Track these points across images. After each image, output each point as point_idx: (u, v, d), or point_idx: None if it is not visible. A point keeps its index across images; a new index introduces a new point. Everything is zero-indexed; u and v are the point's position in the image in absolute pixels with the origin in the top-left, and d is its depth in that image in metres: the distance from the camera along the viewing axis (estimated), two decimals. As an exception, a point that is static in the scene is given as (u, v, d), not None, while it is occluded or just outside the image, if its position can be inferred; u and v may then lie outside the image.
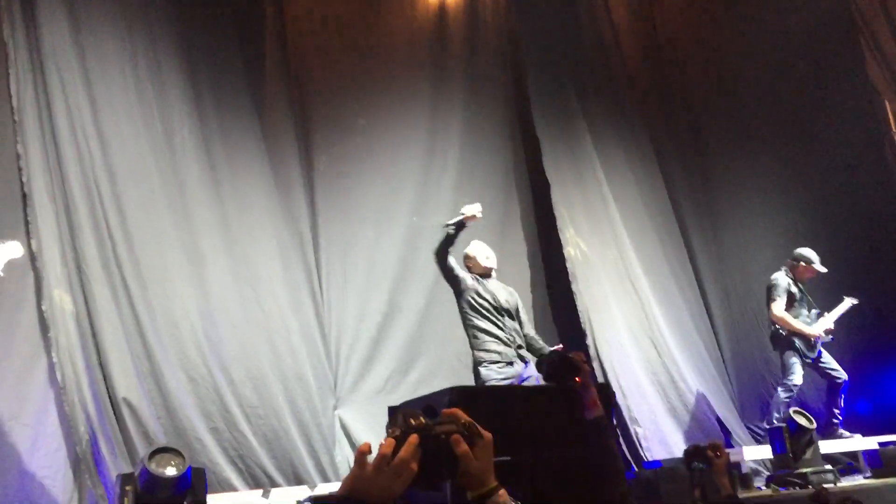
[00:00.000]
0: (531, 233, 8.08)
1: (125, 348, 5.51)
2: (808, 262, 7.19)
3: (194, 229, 6.20)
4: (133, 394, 5.39)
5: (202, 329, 5.97)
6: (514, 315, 5.82)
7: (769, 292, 7.18)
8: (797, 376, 6.98)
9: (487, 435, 1.50)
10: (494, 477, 1.51)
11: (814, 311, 7.18)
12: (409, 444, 1.40)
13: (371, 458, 1.42)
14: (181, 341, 5.84)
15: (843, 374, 7.03)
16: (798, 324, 7.06)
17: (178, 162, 6.27)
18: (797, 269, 7.22)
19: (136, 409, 5.35)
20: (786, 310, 7.12)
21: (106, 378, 5.36)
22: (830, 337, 7.11)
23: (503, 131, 8.18)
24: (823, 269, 7.16)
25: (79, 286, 5.48)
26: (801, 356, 7.02)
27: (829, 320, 7.11)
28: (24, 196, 5.42)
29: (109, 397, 5.32)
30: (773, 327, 7.17)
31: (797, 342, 7.03)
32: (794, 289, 7.18)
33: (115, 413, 5.30)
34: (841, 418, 7.01)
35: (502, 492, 1.51)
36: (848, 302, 7.15)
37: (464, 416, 1.49)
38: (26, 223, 5.39)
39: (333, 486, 5.14)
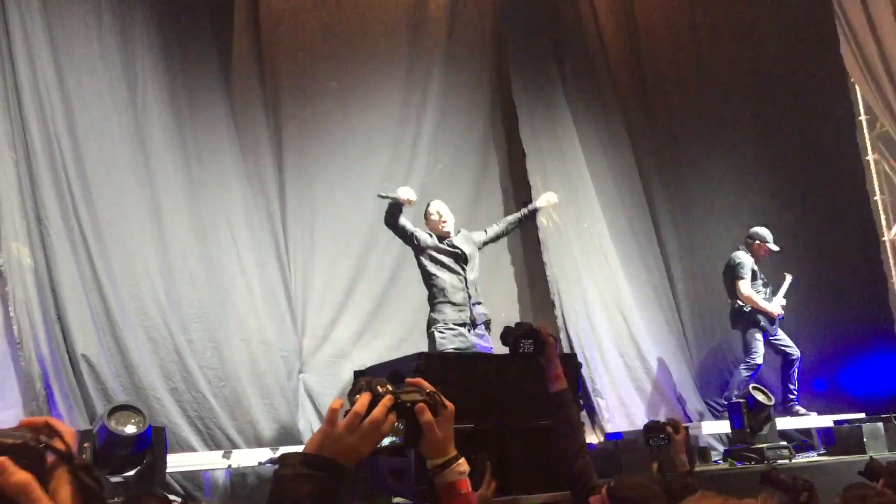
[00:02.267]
0: (506, 202, 8.05)
1: (84, 304, 5.41)
2: (763, 240, 7.28)
3: (157, 187, 6.07)
4: (92, 350, 5.30)
5: (163, 288, 5.88)
6: (476, 261, 5.98)
7: (735, 271, 7.26)
8: (759, 355, 7.09)
9: (450, 406, 1.51)
10: (454, 446, 1.53)
11: (768, 289, 7.28)
12: (383, 405, 1.40)
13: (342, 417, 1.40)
14: (141, 300, 5.74)
15: (796, 351, 7.15)
16: (763, 302, 7.15)
17: (141, 119, 6.13)
18: (753, 247, 7.31)
19: (95, 366, 5.26)
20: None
21: (64, 333, 5.26)
22: (781, 315, 7.20)
23: (479, 99, 8.10)
24: (776, 248, 7.24)
25: (38, 239, 5.35)
26: (765, 334, 7.12)
27: (780, 298, 7.20)
28: (-17, 144, 5.27)
29: (68, 353, 5.23)
30: (735, 304, 7.25)
31: (762, 320, 7.11)
32: (755, 267, 7.27)
33: (73, 369, 5.21)
34: (796, 394, 7.14)
35: (462, 460, 1.53)
36: (788, 278, 7.29)
37: (428, 386, 1.49)
38: (-16, 172, 5.24)
39: (296, 450, 5.11)
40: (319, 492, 1.33)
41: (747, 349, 7.19)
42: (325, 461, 1.36)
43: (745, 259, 7.26)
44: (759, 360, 7.10)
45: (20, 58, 5.52)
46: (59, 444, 1.10)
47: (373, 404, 1.39)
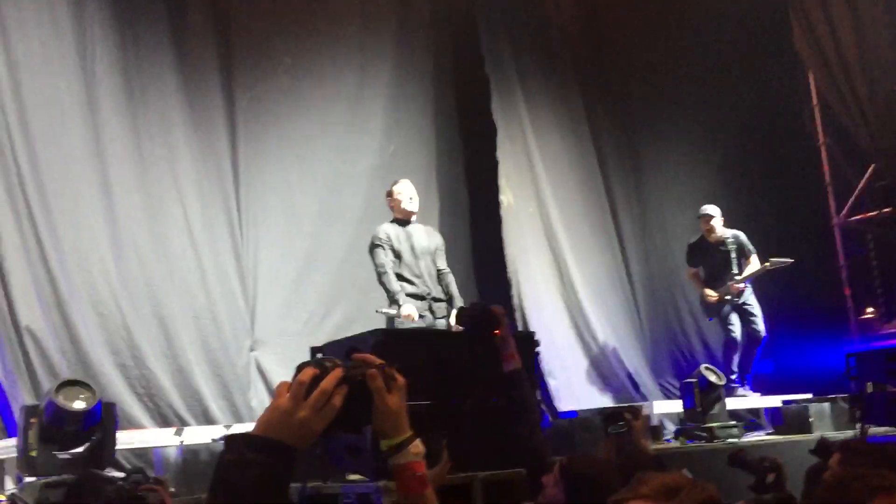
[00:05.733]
0: (457, 180, 8.03)
1: (28, 277, 5.26)
2: (700, 216, 7.36)
3: (106, 160, 5.93)
4: (37, 324, 5.17)
5: (112, 263, 5.76)
6: (432, 258, 5.83)
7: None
8: (729, 330, 7.22)
9: (401, 379, 1.47)
10: (410, 426, 1.49)
11: (733, 265, 7.30)
12: (332, 376, 1.35)
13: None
14: (89, 274, 5.62)
15: (737, 334, 7.24)
16: (701, 287, 7.34)
17: (91, 89, 5.95)
18: (701, 227, 7.38)
19: (40, 341, 5.13)
20: (699, 267, 7.34)
21: (9, 307, 5.12)
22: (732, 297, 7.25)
23: (434, 75, 8.04)
24: (707, 216, 7.26)
25: (-19, 210, 5.19)
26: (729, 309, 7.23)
27: (736, 280, 7.25)
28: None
29: (13, 326, 5.09)
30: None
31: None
32: (704, 249, 7.32)
33: (17, 343, 5.07)
34: (736, 375, 7.23)
35: (417, 441, 1.49)
36: (755, 267, 7.25)
37: (377, 360, 1.45)
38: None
39: (248, 427, 5.06)
40: (266, 477, 1.27)
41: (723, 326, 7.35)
42: (272, 443, 1.29)
43: (692, 242, 7.38)
44: (734, 335, 7.22)
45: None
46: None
47: (321, 377, 1.34)
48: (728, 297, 7.22)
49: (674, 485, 1.66)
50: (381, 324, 5.57)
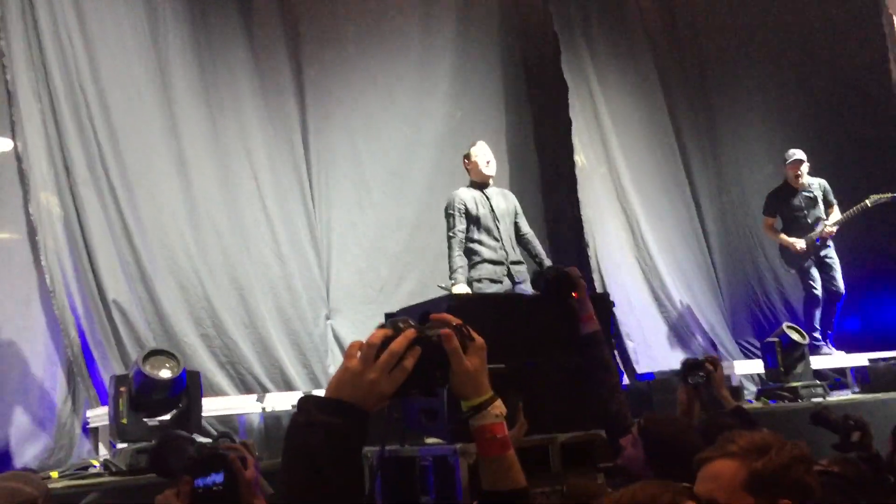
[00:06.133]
0: (526, 144, 7.95)
1: (113, 252, 5.42)
2: (784, 161, 7.13)
3: (180, 135, 6.04)
4: (123, 297, 5.33)
5: (191, 236, 5.90)
6: (512, 220, 5.76)
7: None
8: (811, 287, 7.02)
9: (479, 339, 1.43)
10: (490, 387, 1.45)
11: (821, 210, 7.08)
12: (404, 337, 1.31)
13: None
14: (170, 247, 5.77)
15: (818, 290, 7.03)
16: (782, 237, 7.12)
17: (164, 67, 6.07)
18: (786, 172, 7.14)
19: (127, 313, 5.30)
20: (782, 219, 7.15)
21: (97, 281, 5.29)
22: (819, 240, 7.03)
23: (500, 38, 7.96)
24: (797, 161, 7.02)
25: (67, 189, 5.35)
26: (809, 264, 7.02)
27: (824, 225, 7.01)
28: (9, 95, 5.24)
29: (101, 301, 5.26)
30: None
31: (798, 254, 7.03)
32: (787, 196, 7.11)
33: (106, 316, 5.25)
34: (819, 333, 7.03)
35: (498, 402, 1.45)
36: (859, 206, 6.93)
37: (455, 320, 1.41)
38: (11, 123, 5.22)
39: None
40: (335, 439, 1.25)
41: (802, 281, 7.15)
42: (342, 405, 1.27)
43: (773, 189, 7.18)
44: (816, 292, 7.02)
45: (40, 5, 5.44)
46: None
47: (392, 339, 1.31)
48: (817, 244, 6.98)
49: (762, 443, 1.63)
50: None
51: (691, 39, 8.82)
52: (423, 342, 1.33)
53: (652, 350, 7.28)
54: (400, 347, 1.30)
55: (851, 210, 6.93)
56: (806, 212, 7.07)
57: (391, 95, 7.27)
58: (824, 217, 7.03)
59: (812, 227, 7.03)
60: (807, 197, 7.08)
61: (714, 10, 8.73)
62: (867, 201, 6.85)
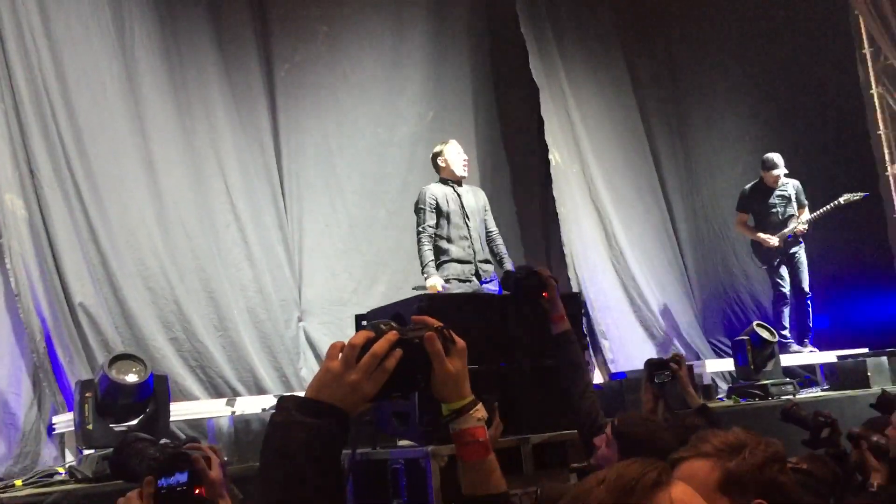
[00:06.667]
0: (497, 143, 7.96)
1: (80, 255, 5.34)
2: (762, 166, 7.20)
3: (148, 135, 5.98)
4: (90, 300, 5.25)
5: (160, 238, 5.83)
6: (482, 217, 5.75)
7: None
8: (778, 286, 7.09)
9: (461, 342, 1.41)
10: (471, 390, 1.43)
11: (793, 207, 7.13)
12: (386, 339, 1.30)
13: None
14: (138, 249, 5.69)
15: (786, 288, 7.09)
16: (752, 232, 7.19)
17: (131, 66, 5.99)
18: (764, 175, 7.21)
19: (94, 316, 5.21)
20: (754, 216, 7.20)
21: (63, 285, 5.20)
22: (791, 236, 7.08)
23: (470, 39, 7.95)
24: (779, 173, 7.09)
25: (31, 190, 5.25)
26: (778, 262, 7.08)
27: (796, 223, 7.07)
28: (-29, 94, 5.14)
29: (67, 304, 5.17)
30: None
31: (769, 251, 7.08)
32: (761, 194, 7.18)
33: (73, 320, 5.16)
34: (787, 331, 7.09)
35: (479, 406, 1.43)
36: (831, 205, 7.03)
37: (436, 322, 1.39)
38: (-27, 123, 5.13)
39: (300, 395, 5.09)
40: (315, 440, 1.23)
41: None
42: (322, 406, 1.25)
43: (745, 190, 7.24)
44: (784, 290, 7.09)
45: (2, 4, 5.35)
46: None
47: (375, 340, 1.29)
48: (789, 240, 7.04)
49: (736, 442, 1.61)
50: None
51: (662, 37, 8.86)
52: (404, 344, 1.31)
53: (626, 348, 7.30)
54: (382, 350, 1.29)
55: (824, 208, 6.99)
56: (779, 209, 7.13)
57: (363, 94, 7.24)
58: (796, 214, 7.09)
59: (784, 224, 7.08)
60: (781, 195, 7.15)
61: (686, 14, 8.77)
62: (840, 199, 6.92)
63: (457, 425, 1.42)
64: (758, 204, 7.25)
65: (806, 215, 7.08)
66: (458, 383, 1.40)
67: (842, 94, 8.13)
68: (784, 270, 7.11)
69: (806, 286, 7.09)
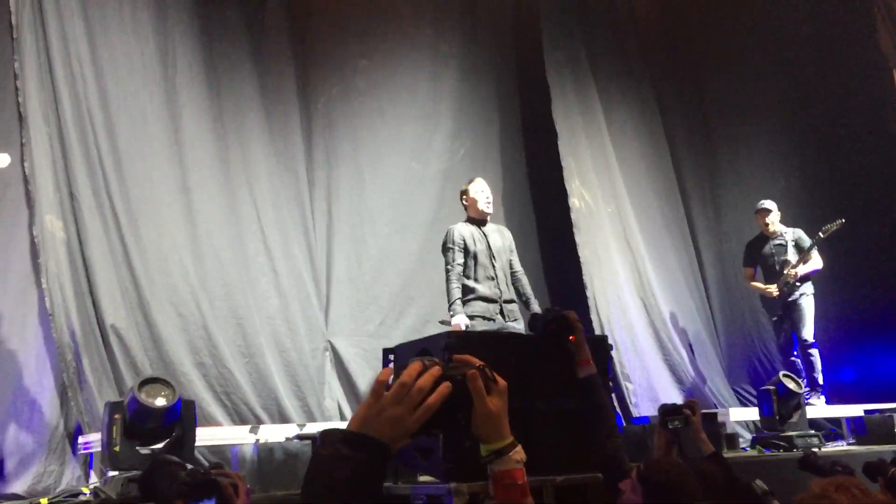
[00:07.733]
0: (523, 184, 8.02)
1: (114, 278, 5.44)
2: (756, 210, 7.24)
3: (186, 164, 6.09)
4: (121, 323, 5.34)
5: (192, 264, 5.91)
6: (508, 258, 5.79)
7: None
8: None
9: (502, 381, 1.40)
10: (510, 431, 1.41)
11: (789, 254, 7.09)
12: (430, 374, 1.29)
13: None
14: (170, 275, 5.77)
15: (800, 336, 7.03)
16: (759, 285, 7.20)
17: (172, 96, 6.14)
18: (757, 220, 7.25)
19: (125, 339, 5.30)
20: (757, 267, 7.27)
21: (95, 307, 5.29)
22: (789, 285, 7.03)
23: (504, 79, 8.07)
24: (764, 210, 7.10)
25: (70, 213, 5.38)
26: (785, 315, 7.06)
27: (796, 262, 7.02)
28: (21, 117, 5.29)
29: (98, 326, 5.26)
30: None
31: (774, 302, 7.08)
32: (760, 245, 7.21)
33: (103, 342, 5.25)
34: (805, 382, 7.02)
35: (519, 448, 1.42)
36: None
37: (477, 361, 1.38)
38: (21, 145, 5.28)
39: (322, 426, 5.11)
40: (359, 474, 1.23)
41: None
42: (367, 440, 1.25)
43: (748, 243, 7.32)
44: (782, 342, 7.08)
45: (52, 31, 5.52)
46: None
47: (420, 375, 1.29)
48: (786, 287, 6.99)
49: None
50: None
51: (694, 84, 8.91)
52: (447, 381, 1.31)
53: (654, 392, 7.24)
54: (426, 385, 1.28)
55: (809, 246, 6.97)
56: (775, 258, 7.12)
57: (398, 129, 7.34)
58: (792, 261, 7.05)
59: (781, 273, 7.07)
60: (777, 244, 7.15)
61: (717, 55, 8.82)
62: (819, 234, 6.89)
63: (496, 466, 1.41)
64: (758, 254, 7.31)
65: (815, 260, 7.05)
66: (498, 423, 1.39)
67: (877, 150, 8.08)
68: (784, 320, 7.10)
69: (807, 335, 6.99)
